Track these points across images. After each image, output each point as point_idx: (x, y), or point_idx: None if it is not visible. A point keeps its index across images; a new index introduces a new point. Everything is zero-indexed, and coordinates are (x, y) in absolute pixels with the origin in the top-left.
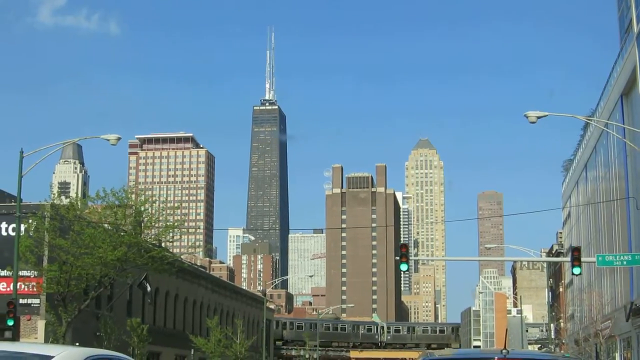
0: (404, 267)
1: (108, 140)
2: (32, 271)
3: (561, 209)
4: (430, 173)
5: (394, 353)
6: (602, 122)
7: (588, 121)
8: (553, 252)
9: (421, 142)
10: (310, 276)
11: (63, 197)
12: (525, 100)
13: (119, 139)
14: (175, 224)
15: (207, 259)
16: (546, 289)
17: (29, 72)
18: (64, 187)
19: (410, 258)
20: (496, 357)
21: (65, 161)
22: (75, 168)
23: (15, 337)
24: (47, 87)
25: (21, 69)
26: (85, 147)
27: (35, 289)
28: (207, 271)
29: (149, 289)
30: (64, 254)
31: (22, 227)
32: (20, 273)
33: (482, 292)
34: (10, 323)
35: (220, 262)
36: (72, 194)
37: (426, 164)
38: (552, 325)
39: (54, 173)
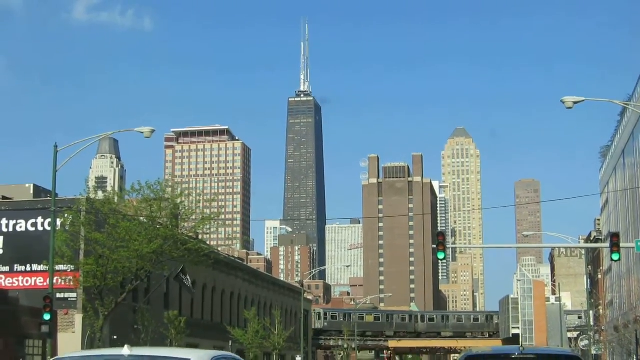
0: (441, 255)
1: (142, 132)
2: (69, 265)
3: (599, 195)
4: (466, 162)
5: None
6: (639, 106)
7: (625, 106)
8: (591, 239)
9: (457, 131)
10: (347, 266)
11: (100, 192)
12: (561, 87)
13: (152, 131)
14: (212, 215)
15: (245, 251)
16: (585, 276)
17: (64, 66)
18: (101, 181)
19: (447, 246)
20: (516, 353)
21: (102, 156)
22: (112, 163)
23: (52, 332)
24: (82, 82)
25: (56, 63)
26: (122, 141)
27: (72, 283)
28: (245, 263)
29: (188, 282)
30: (100, 248)
31: (59, 221)
32: (58, 267)
33: (520, 280)
34: (47, 317)
35: (258, 254)
36: (109, 188)
37: (463, 152)
38: (591, 312)
39: (90, 168)
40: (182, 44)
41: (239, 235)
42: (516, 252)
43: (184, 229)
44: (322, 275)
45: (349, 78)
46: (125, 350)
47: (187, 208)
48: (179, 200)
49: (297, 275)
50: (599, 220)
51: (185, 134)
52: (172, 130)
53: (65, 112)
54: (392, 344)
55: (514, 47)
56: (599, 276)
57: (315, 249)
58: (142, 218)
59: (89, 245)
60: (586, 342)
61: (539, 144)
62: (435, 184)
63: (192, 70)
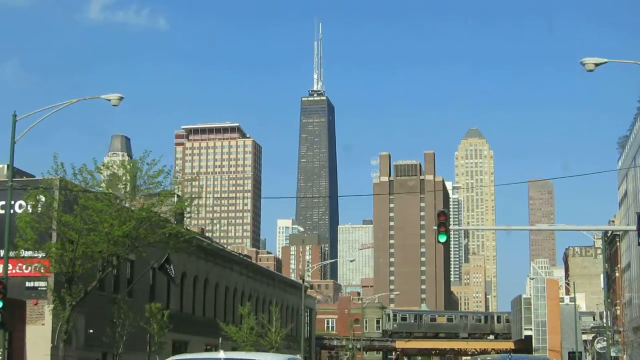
0: (442, 238)
1: (109, 100)
2: (40, 251)
3: (616, 171)
4: (480, 162)
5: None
6: None
7: None
8: (607, 235)
9: (470, 132)
10: (351, 261)
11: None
12: (576, 88)
13: (120, 98)
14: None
15: (254, 249)
16: (602, 274)
17: (77, 65)
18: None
19: (450, 228)
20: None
21: (113, 153)
22: (124, 161)
23: (4, 321)
24: (94, 79)
25: (69, 62)
26: (134, 139)
27: (42, 271)
28: (255, 262)
29: (172, 272)
30: (69, 231)
31: (26, 203)
32: (26, 253)
33: (533, 279)
34: None
35: (268, 253)
36: (120, 186)
37: (476, 153)
38: (607, 312)
39: (102, 165)
40: (196, 43)
41: (249, 233)
42: (529, 254)
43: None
44: (333, 275)
45: (362, 78)
46: (221, 354)
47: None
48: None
49: (308, 276)
50: (613, 220)
51: (196, 131)
52: (182, 127)
53: (75, 109)
54: (400, 344)
55: (529, 48)
56: (617, 274)
57: (327, 249)
58: (114, 196)
59: (58, 228)
60: (603, 343)
61: (553, 145)
62: (449, 185)
63: (206, 69)
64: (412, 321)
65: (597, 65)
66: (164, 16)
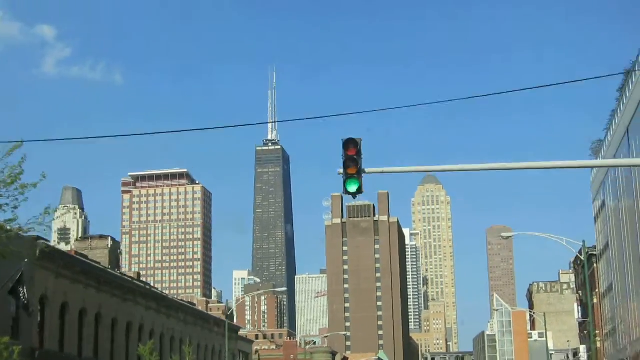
0: (352, 185)
1: None
2: None
3: (590, 189)
4: (437, 209)
5: None
6: None
7: None
8: (579, 262)
9: (427, 178)
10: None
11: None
12: (534, 133)
13: None
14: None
15: (204, 299)
16: (575, 304)
17: (31, 119)
18: (64, 233)
19: (366, 172)
20: None
21: (64, 206)
22: (75, 214)
23: None
24: (46, 133)
25: (24, 116)
26: (85, 191)
27: None
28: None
29: (25, 297)
30: None
31: None
32: None
33: (497, 310)
34: None
35: (219, 302)
36: (72, 240)
37: (433, 199)
38: (582, 347)
39: (53, 219)
40: (150, 95)
41: (200, 284)
42: (489, 299)
43: None
44: (292, 326)
45: (317, 127)
46: None
47: None
48: None
49: (263, 326)
50: (589, 251)
51: (143, 178)
52: (129, 174)
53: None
54: None
55: (485, 97)
56: (595, 301)
57: (284, 299)
58: None
59: None
60: None
61: (511, 191)
62: (406, 232)
63: (160, 119)
64: None
65: None
66: (119, 70)
